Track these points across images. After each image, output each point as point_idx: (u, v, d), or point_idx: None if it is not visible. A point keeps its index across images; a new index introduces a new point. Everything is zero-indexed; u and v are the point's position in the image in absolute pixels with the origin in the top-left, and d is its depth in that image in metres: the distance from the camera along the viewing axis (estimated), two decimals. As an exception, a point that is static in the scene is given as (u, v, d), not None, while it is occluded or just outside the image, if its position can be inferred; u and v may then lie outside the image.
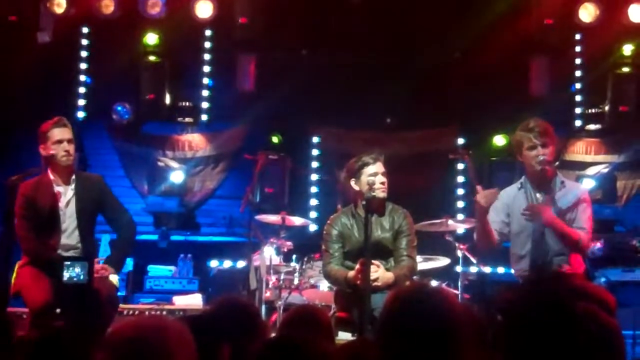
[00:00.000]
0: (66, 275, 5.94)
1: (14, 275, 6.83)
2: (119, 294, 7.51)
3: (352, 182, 6.75)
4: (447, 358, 2.54)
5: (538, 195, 6.51)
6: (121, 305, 7.73)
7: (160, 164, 11.56)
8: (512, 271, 6.81)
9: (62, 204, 6.85)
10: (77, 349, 3.10)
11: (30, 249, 6.80)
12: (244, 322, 3.69)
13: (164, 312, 8.18)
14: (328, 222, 6.99)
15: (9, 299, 6.79)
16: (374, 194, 6.53)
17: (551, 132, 6.47)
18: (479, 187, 6.44)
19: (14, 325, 3.38)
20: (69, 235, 6.87)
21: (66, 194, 6.88)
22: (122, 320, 2.99)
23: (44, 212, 6.80)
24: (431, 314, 2.62)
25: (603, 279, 9.85)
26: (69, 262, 6.01)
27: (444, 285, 8.70)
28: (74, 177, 6.94)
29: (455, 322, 2.60)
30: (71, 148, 6.83)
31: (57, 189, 6.86)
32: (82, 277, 5.93)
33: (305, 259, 8.66)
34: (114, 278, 6.89)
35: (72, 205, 6.87)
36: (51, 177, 6.86)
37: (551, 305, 2.57)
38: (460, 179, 11.49)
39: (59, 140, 6.77)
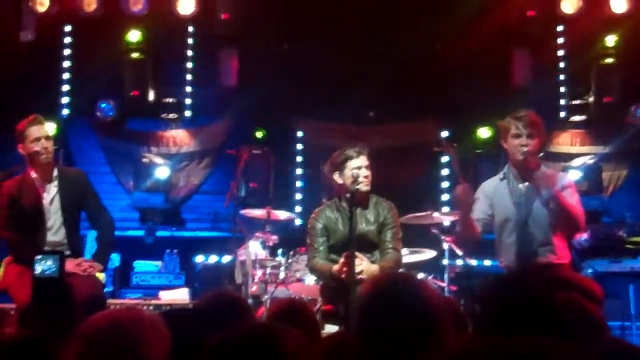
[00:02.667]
0: (38, 269, 5.89)
1: (1, 271, 6.81)
2: (105, 289, 7.51)
3: (336, 176, 6.76)
4: (425, 345, 2.54)
5: (521, 185, 6.52)
6: (108, 301, 7.71)
7: (145, 160, 11.57)
8: (499, 263, 6.82)
9: (46, 201, 6.82)
10: (51, 347, 3.10)
11: (16, 248, 6.78)
12: (230, 314, 3.69)
13: (151, 307, 8.17)
14: (312, 215, 6.99)
15: (-3, 295, 6.78)
16: (357, 187, 6.52)
17: (539, 125, 6.46)
18: (459, 186, 6.46)
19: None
20: (55, 232, 6.84)
21: (50, 191, 6.86)
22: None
23: (28, 210, 6.77)
24: (408, 302, 2.62)
25: (590, 270, 9.87)
26: (40, 256, 5.96)
27: (430, 277, 8.73)
28: (56, 173, 6.92)
29: (433, 310, 2.61)
30: (49, 145, 6.81)
31: (40, 186, 6.84)
32: (54, 270, 5.88)
33: (291, 252, 8.66)
34: (101, 275, 6.89)
35: (57, 202, 6.85)
36: (33, 175, 6.84)
37: (528, 295, 2.58)
38: (445, 171, 11.52)
39: (37, 137, 6.73)
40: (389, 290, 2.68)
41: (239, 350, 2.51)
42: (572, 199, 6.42)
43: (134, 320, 2.85)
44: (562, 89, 11.37)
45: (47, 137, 6.82)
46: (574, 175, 10.53)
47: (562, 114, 11.33)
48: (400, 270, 6.93)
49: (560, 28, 11.28)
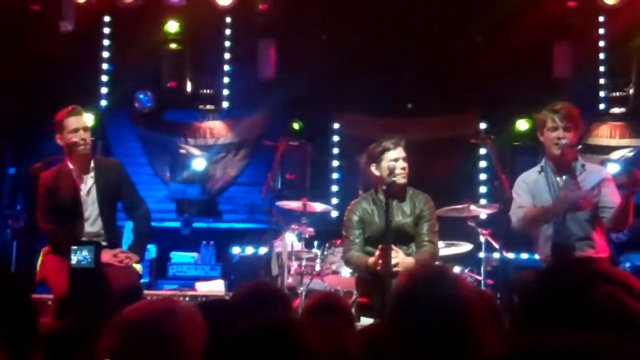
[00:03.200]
0: (74, 259, 5.90)
1: (39, 261, 6.85)
2: (142, 280, 7.54)
3: (373, 168, 6.73)
4: (459, 339, 2.52)
5: (558, 179, 6.45)
6: (145, 292, 7.74)
7: (182, 151, 11.59)
8: (536, 256, 6.77)
9: (83, 192, 6.85)
10: (87, 338, 3.10)
11: (54, 239, 6.82)
12: (267, 305, 3.68)
13: (187, 299, 8.20)
14: (348, 208, 6.97)
15: (35, 285, 6.81)
16: (394, 179, 6.50)
17: (576, 118, 6.40)
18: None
19: (38, 314, 3.37)
20: (92, 223, 6.87)
21: (87, 182, 6.88)
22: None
23: (65, 201, 6.80)
24: (442, 295, 2.60)
25: (628, 264, 9.79)
26: (76, 247, 5.97)
27: (466, 271, 8.69)
28: (93, 164, 6.95)
29: (467, 303, 2.58)
30: (87, 136, 6.81)
31: (77, 177, 6.87)
32: (89, 260, 5.89)
33: (327, 245, 8.66)
34: (138, 265, 6.92)
35: (93, 193, 6.87)
36: (70, 166, 6.86)
37: (569, 288, 2.54)
38: (483, 164, 11.44)
39: (75, 128, 6.73)
40: (422, 282, 2.65)
41: (259, 340, 2.50)
42: (613, 193, 6.35)
43: (170, 312, 2.84)
44: (602, 81, 11.24)
45: (85, 128, 6.83)
46: (612, 168, 10.41)
47: (602, 106, 11.20)
48: (436, 263, 6.90)
49: (601, 19, 11.16)
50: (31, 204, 6.96)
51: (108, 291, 6.20)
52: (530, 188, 6.57)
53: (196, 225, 11.63)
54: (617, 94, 11.18)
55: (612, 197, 6.33)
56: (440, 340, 2.51)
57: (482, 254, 8.81)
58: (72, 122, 6.75)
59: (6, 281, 3.28)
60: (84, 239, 6.72)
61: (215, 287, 9.13)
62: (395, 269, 6.25)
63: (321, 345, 2.55)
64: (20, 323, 2.99)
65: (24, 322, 3.05)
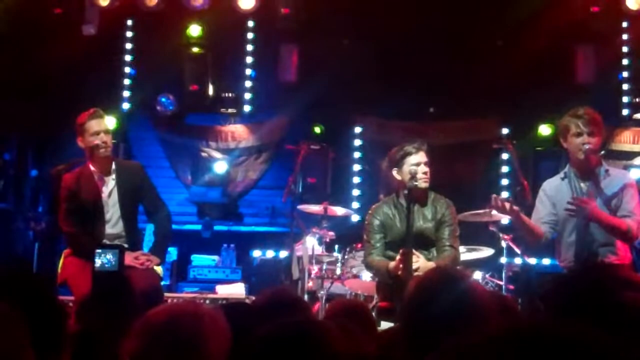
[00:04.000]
0: (98, 262, 5.93)
1: (61, 263, 6.88)
2: (163, 283, 7.56)
3: (394, 172, 6.72)
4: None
5: (582, 184, 6.42)
6: (165, 295, 7.76)
7: (203, 154, 11.62)
8: (558, 262, 6.74)
9: (104, 194, 6.87)
10: (110, 341, 3.11)
11: (75, 242, 6.84)
12: (286, 311, 3.68)
13: (207, 301, 8.21)
14: (369, 212, 6.97)
15: (56, 287, 6.84)
16: (416, 183, 6.49)
17: (599, 122, 6.36)
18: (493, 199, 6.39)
19: (67, 315, 3.38)
20: (114, 225, 6.90)
21: (108, 184, 6.91)
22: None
23: (87, 204, 6.82)
24: (452, 298, 2.59)
25: (650, 271, 9.71)
26: (100, 250, 6.00)
27: (487, 276, 8.65)
28: (114, 166, 6.97)
29: (481, 308, 2.57)
30: (108, 139, 6.84)
31: (99, 180, 6.89)
32: (113, 263, 5.91)
33: (348, 249, 8.66)
34: (159, 268, 6.93)
35: (115, 195, 6.90)
36: (91, 168, 6.89)
37: (591, 294, 2.53)
38: (504, 169, 11.39)
39: (96, 131, 6.76)
40: (432, 285, 2.65)
41: (279, 344, 2.50)
42: (633, 201, 6.32)
43: (193, 314, 2.83)
44: (625, 86, 11.17)
45: (107, 131, 6.86)
46: (635, 173, 10.33)
47: (625, 112, 11.13)
48: (457, 267, 6.88)
49: (624, 24, 11.09)
50: (53, 207, 6.98)
51: (131, 294, 6.21)
52: (551, 196, 6.54)
53: (217, 228, 11.65)
54: (641, 99, 11.11)
55: (630, 205, 6.30)
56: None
57: (503, 259, 8.78)
58: (93, 124, 6.78)
59: (35, 283, 3.29)
60: (105, 241, 6.75)
61: (235, 290, 9.13)
62: (416, 273, 6.24)
63: (344, 348, 2.54)
64: (49, 325, 3.00)
65: (54, 324, 3.05)
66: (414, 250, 6.37)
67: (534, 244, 6.81)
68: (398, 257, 6.39)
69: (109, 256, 5.93)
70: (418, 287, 2.69)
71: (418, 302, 2.65)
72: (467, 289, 2.64)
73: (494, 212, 8.61)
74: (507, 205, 6.27)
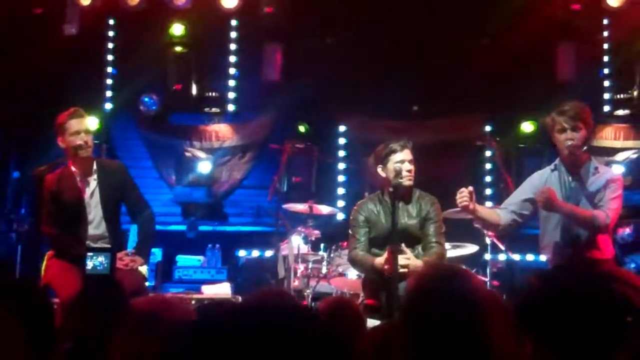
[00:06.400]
0: (89, 264, 5.91)
1: (44, 266, 6.85)
2: (147, 284, 7.54)
3: (379, 169, 6.74)
4: (474, 341, 2.51)
5: (570, 179, 6.45)
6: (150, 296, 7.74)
7: (187, 154, 11.59)
8: (542, 257, 6.77)
9: (86, 195, 6.82)
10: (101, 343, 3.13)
11: (57, 243, 6.81)
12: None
13: (193, 302, 8.19)
14: (355, 208, 6.99)
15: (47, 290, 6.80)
16: (400, 180, 6.51)
17: (585, 116, 6.37)
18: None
19: (54, 311, 3.39)
20: (97, 225, 6.86)
21: (90, 184, 6.85)
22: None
23: (69, 204, 6.77)
24: (455, 295, 2.59)
25: (633, 265, 9.77)
26: (92, 253, 5.98)
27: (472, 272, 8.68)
28: (95, 166, 6.92)
29: (482, 304, 2.58)
30: (89, 139, 6.77)
31: (80, 180, 6.85)
32: (105, 266, 5.90)
33: (333, 247, 8.67)
34: (143, 269, 6.91)
35: (97, 195, 6.84)
36: (73, 169, 6.84)
37: (589, 288, 2.55)
38: (488, 166, 11.44)
39: (77, 131, 6.70)
40: (435, 281, 2.65)
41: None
42: (611, 195, 6.34)
43: (166, 304, 2.89)
44: (607, 83, 11.24)
45: (87, 131, 6.79)
46: (617, 169, 10.39)
47: (607, 108, 11.19)
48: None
49: (605, 21, 11.15)
50: (35, 208, 6.94)
51: (123, 297, 6.20)
52: (536, 186, 6.54)
53: (202, 228, 11.62)
54: (622, 95, 11.17)
55: (608, 198, 6.33)
56: (454, 337, 2.50)
57: (488, 256, 8.83)
58: (73, 124, 6.72)
59: (26, 284, 3.30)
60: (88, 242, 6.72)
61: (221, 290, 9.11)
62: (403, 270, 6.25)
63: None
64: (42, 325, 3.00)
65: (45, 325, 3.06)
66: (404, 248, 6.39)
67: (493, 231, 6.88)
68: (386, 254, 6.41)
69: (101, 259, 5.91)
70: (418, 284, 2.68)
71: (418, 299, 2.65)
72: (469, 282, 2.64)
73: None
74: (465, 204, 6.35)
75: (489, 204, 10.20)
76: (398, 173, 6.52)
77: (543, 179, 6.57)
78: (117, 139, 11.83)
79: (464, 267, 8.40)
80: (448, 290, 2.59)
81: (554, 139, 6.44)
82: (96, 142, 7.11)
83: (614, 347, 2.51)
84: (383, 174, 6.73)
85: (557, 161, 6.58)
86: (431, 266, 3.49)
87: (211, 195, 11.58)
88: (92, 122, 8.46)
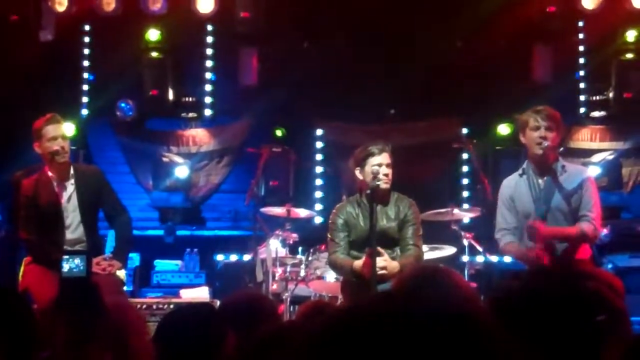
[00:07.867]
0: (65, 267, 5.89)
1: (21, 272, 6.83)
2: (125, 289, 7.52)
3: (357, 171, 6.76)
4: (463, 331, 2.52)
5: (540, 181, 6.49)
6: (129, 300, 7.72)
7: (164, 159, 11.57)
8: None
9: (63, 199, 6.82)
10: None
11: (35, 250, 6.78)
12: (250, 310, 3.70)
13: (172, 306, 8.17)
14: (334, 211, 6.99)
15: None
16: (378, 183, 6.53)
17: (558, 120, 6.45)
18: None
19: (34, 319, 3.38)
20: (74, 230, 6.85)
21: (67, 189, 6.85)
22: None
23: (46, 210, 6.77)
24: (441, 294, 2.60)
25: (610, 265, 9.83)
26: (67, 255, 5.96)
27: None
28: (72, 171, 6.91)
29: (468, 301, 2.59)
30: (66, 144, 6.78)
31: (57, 185, 6.83)
32: (81, 268, 5.87)
33: (311, 250, 8.67)
34: (121, 273, 6.90)
35: (74, 200, 6.84)
36: (49, 174, 6.83)
37: (553, 287, 2.56)
38: (465, 168, 11.48)
39: (53, 136, 6.71)
40: (422, 281, 2.65)
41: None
42: (591, 200, 6.40)
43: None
44: (582, 85, 11.29)
45: (64, 136, 6.80)
46: (593, 171, 10.45)
47: (582, 110, 11.25)
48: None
49: (580, 24, 11.21)
50: (12, 214, 6.92)
51: (100, 300, 6.17)
52: (510, 194, 6.60)
53: (180, 233, 11.60)
54: (597, 97, 11.24)
55: (589, 203, 6.39)
56: (445, 335, 2.51)
57: (465, 258, 8.85)
58: (50, 130, 6.73)
59: (5, 291, 3.29)
60: (65, 246, 6.70)
61: (200, 294, 9.11)
62: (381, 272, 6.27)
63: None
64: (21, 333, 2.99)
65: (24, 333, 3.05)
66: (381, 250, 6.41)
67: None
68: (364, 257, 6.43)
69: (77, 261, 5.88)
70: (402, 285, 2.69)
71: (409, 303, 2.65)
72: (452, 283, 2.65)
73: (456, 210, 8.74)
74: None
75: (466, 206, 10.22)
76: (375, 176, 6.54)
77: (512, 186, 6.61)
78: (94, 145, 11.79)
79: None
80: (432, 290, 2.59)
81: (524, 137, 6.49)
82: (73, 147, 7.08)
83: (593, 346, 2.52)
84: (360, 177, 6.75)
85: (525, 164, 6.63)
86: (414, 268, 3.50)
87: (189, 199, 11.57)
88: (68, 128, 8.44)
